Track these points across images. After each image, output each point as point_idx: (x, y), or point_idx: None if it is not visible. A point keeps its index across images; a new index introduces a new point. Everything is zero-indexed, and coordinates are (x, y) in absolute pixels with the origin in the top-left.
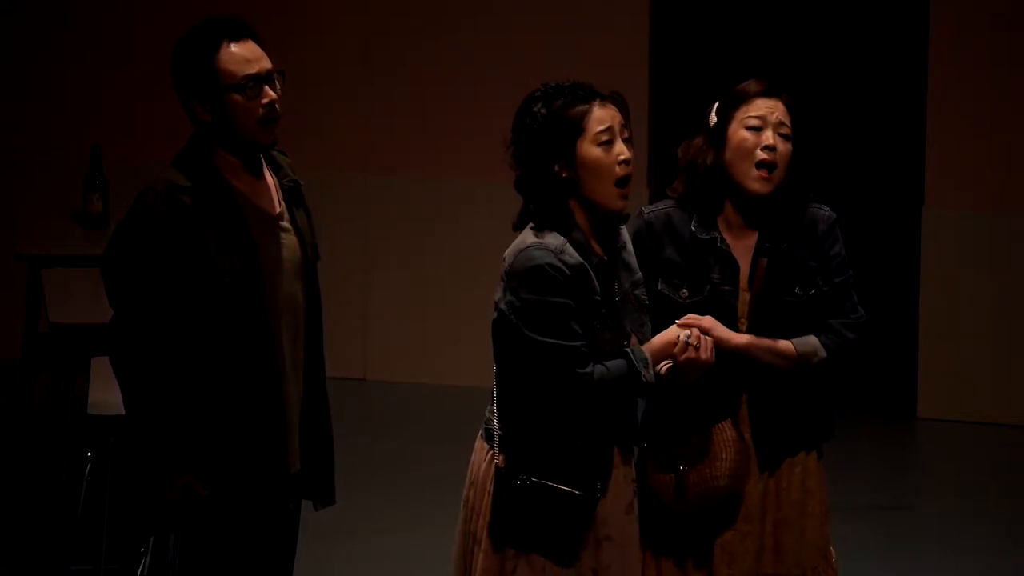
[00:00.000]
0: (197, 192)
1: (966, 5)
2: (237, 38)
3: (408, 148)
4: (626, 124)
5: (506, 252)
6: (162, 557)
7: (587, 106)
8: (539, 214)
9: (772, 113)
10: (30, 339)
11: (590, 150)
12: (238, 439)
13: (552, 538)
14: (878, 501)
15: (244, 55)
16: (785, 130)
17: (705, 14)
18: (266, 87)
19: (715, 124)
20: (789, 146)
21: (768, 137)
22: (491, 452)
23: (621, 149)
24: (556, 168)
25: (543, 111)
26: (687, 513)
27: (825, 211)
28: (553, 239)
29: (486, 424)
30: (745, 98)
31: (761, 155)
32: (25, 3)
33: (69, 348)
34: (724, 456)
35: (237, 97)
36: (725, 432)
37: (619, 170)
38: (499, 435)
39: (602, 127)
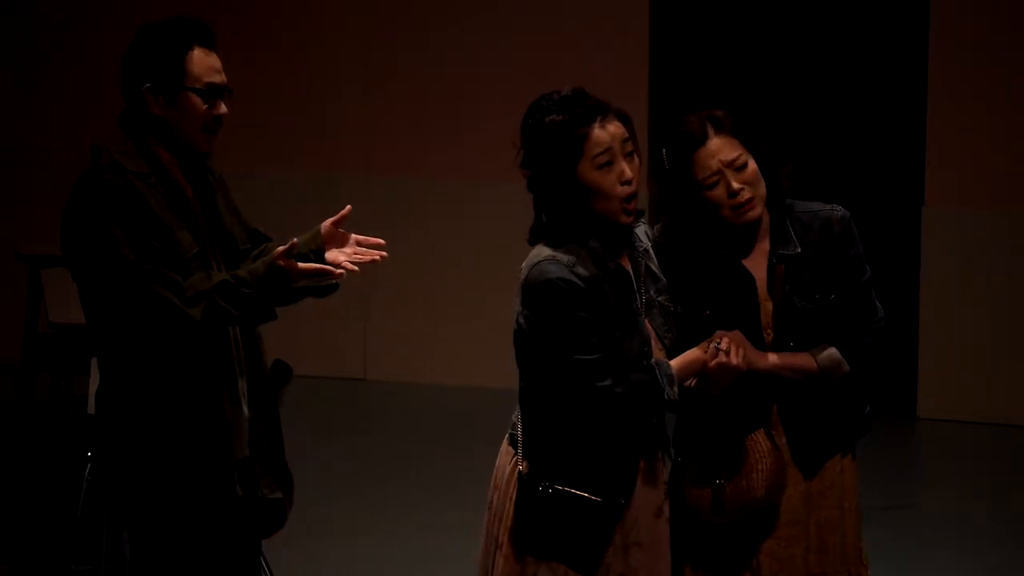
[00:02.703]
0: (146, 176)
1: (966, 5)
2: (207, 46)
3: (409, 148)
4: (630, 138)
5: (522, 264)
6: (119, 555)
7: (586, 128)
8: (551, 227)
9: (719, 158)
10: (30, 339)
11: (589, 173)
12: (186, 428)
13: (573, 546)
14: (878, 501)
15: (212, 64)
16: (740, 160)
17: (705, 14)
18: (220, 100)
19: (676, 178)
20: (752, 167)
21: (729, 183)
22: (516, 457)
23: (622, 169)
24: (558, 187)
25: (543, 127)
26: (726, 525)
27: (838, 211)
28: (567, 251)
29: (511, 429)
30: (689, 154)
31: (733, 201)
32: (25, 3)
33: (69, 348)
34: (760, 468)
35: (196, 99)
36: (759, 443)
37: (620, 190)
38: (522, 441)
39: (600, 150)
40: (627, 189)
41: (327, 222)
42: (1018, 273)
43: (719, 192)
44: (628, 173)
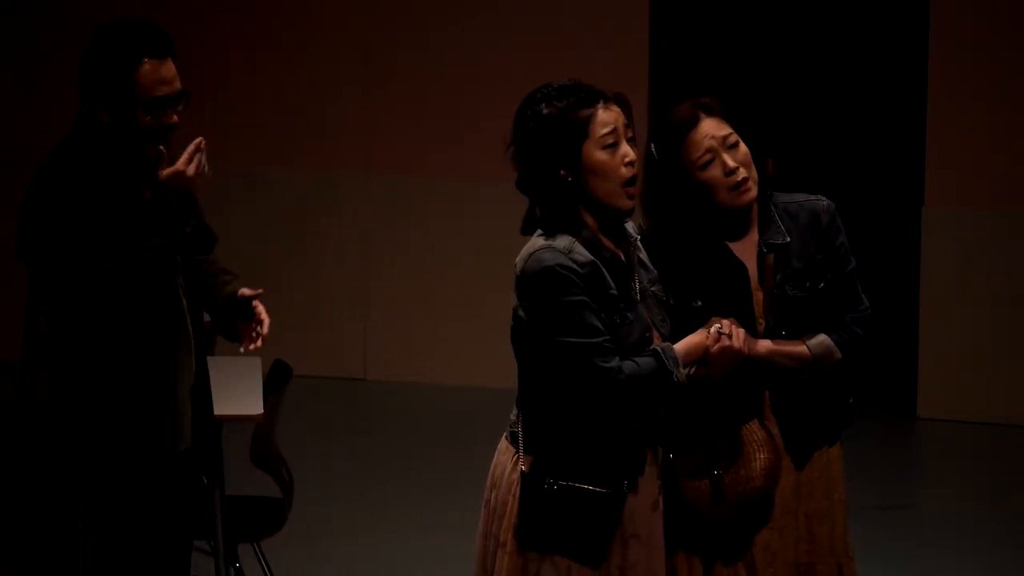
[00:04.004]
0: (104, 176)
1: (966, 5)
2: (159, 56)
3: (409, 148)
4: (629, 124)
5: (517, 258)
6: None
7: (591, 109)
8: (546, 217)
9: (712, 137)
10: (30, 339)
11: (595, 153)
12: (136, 419)
13: (579, 539)
14: (878, 501)
15: (163, 75)
16: (732, 139)
17: (705, 13)
18: (169, 109)
19: (667, 166)
20: (743, 149)
21: (725, 161)
22: (516, 455)
23: (626, 151)
24: (561, 172)
25: (545, 114)
26: (722, 518)
27: (823, 201)
28: (562, 240)
29: (511, 427)
30: (680, 137)
31: (731, 180)
32: (26, 3)
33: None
34: (757, 457)
35: (143, 114)
36: (755, 432)
37: (624, 172)
38: (523, 439)
39: (606, 130)
40: (630, 170)
41: (244, 292)
42: (1018, 273)
43: (715, 171)
44: (631, 154)
